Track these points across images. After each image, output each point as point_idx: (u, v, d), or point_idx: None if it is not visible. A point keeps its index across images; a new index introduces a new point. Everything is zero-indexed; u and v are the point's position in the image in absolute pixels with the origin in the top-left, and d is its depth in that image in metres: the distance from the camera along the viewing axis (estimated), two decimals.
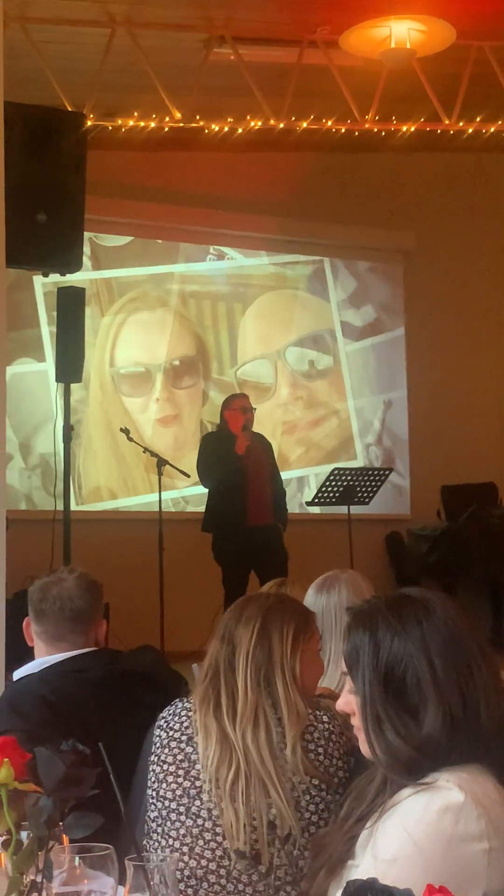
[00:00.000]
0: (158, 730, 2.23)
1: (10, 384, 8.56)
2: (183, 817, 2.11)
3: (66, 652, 2.67)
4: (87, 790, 1.43)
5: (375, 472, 8.53)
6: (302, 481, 9.36)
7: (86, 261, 8.85)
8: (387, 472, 8.63)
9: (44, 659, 2.68)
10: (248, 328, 9.55)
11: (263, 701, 2.15)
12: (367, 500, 8.29)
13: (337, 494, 8.13)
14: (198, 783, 2.12)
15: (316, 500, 8.33)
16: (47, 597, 2.69)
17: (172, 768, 2.15)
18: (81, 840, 1.45)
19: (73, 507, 7.55)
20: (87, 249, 8.86)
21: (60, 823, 1.43)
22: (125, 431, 7.88)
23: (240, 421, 7.40)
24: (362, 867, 1.59)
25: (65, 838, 1.46)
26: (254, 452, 7.43)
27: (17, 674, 2.71)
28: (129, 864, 1.45)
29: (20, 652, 2.88)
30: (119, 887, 1.47)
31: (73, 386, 7.27)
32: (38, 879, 1.41)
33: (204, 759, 2.12)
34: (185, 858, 2.08)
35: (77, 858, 1.45)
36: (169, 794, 2.14)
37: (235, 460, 7.28)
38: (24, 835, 1.45)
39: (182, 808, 2.11)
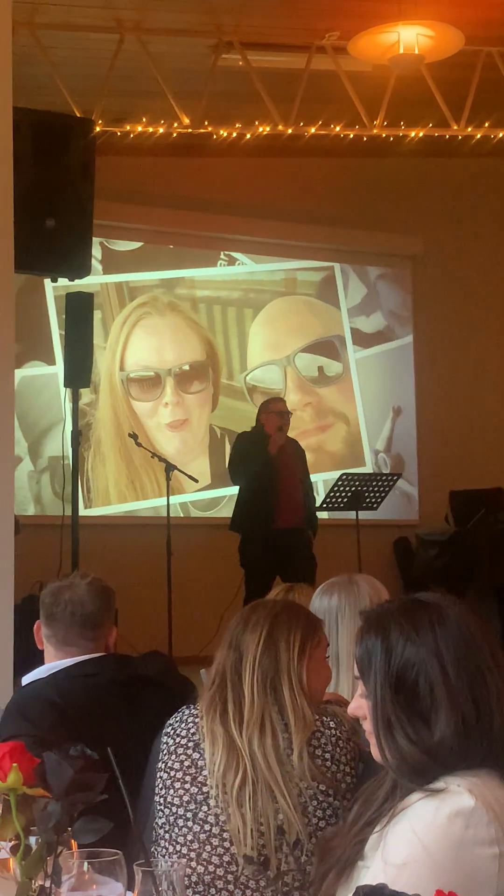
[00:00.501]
0: (166, 736, 2.23)
1: (20, 387, 8.63)
2: (190, 823, 2.11)
3: (75, 657, 2.67)
4: (96, 795, 1.43)
5: (383, 478, 8.52)
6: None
7: (97, 265, 8.90)
8: (395, 478, 8.63)
9: (53, 664, 2.69)
10: (258, 334, 9.56)
11: (270, 707, 2.15)
12: (375, 505, 8.28)
13: (345, 500, 8.13)
14: (205, 789, 2.12)
15: (324, 506, 8.33)
16: (59, 601, 2.70)
17: (179, 774, 2.15)
18: (90, 845, 1.45)
19: (81, 510, 7.56)
20: (97, 253, 8.92)
21: (69, 829, 1.43)
22: (133, 437, 7.90)
23: (275, 423, 7.43)
24: (372, 871, 1.59)
25: (73, 843, 1.46)
26: (286, 454, 7.46)
27: (26, 679, 2.71)
28: (137, 869, 1.45)
29: (30, 655, 2.88)
30: (128, 893, 1.47)
31: (83, 389, 7.29)
32: (47, 885, 1.42)
33: (210, 766, 2.12)
34: (193, 864, 2.08)
35: (86, 864, 1.45)
36: (176, 801, 2.14)
37: (267, 459, 7.31)
38: (32, 840, 1.45)
39: (189, 814, 2.11)
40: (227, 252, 9.48)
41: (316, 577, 6.89)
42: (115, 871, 1.45)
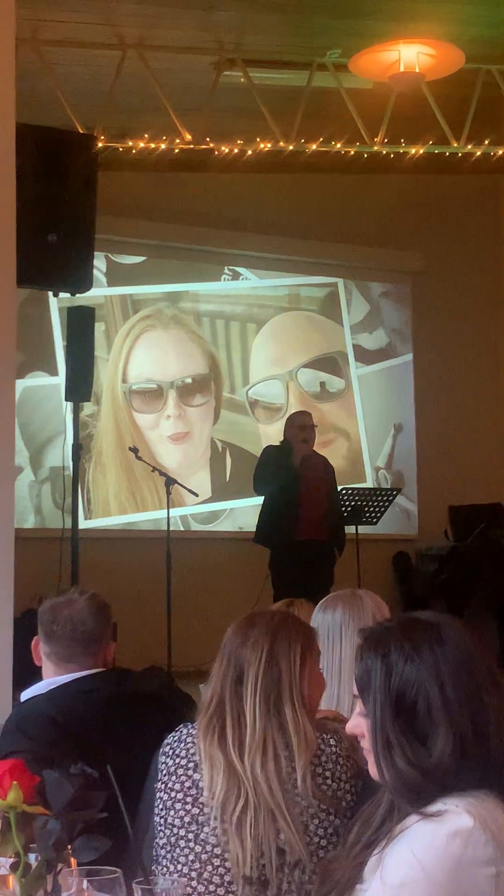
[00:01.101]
0: (164, 756, 2.21)
1: (23, 397, 8.66)
2: (192, 843, 2.10)
3: (74, 672, 2.68)
4: (96, 813, 1.44)
5: (383, 493, 8.53)
6: None
7: (101, 277, 8.96)
8: (394, 493, 8.64)
9: (51, 679, 2.69)
10: (261, 348, 9.59)
11: (272, 729, 2.13)
12: (374, 520, 8.29)
13: (345, 514, 8.13)
14: (206, 809, 2.11)
15: None
16: (58, 618, 2.70)
17: (180, 795, 2.14)
18: (90, 863, 1.46)
19: (82, 521, 7.57)
20: (102, 266, 8.98)
21: (69, 846, 1.44)
22: (134, 450, 7.91)
23: (299, 435, 7.45)
24: (370, 892, 1.59)
25: (73, 861, 1.47)
26: (311, 467, 7.48)
27: (25, 694, 2.71)
28: (136, 887, 1.45)
29: (28, 671, 2.88)
30: None
31: (85, 400, 7.32)
32: None
33: (209, 792, 2.11)
34: (194, 884, 2.07)
35: (85, 881, 1.45)
36: (177, 822, 2.12)
37: (291, 471, 7.34)
38: (32, 857, 1.46)
39: (191, 835, 2.10)
40: (231, 267, 9.52)
41: (329, 593, 6.86)
42: (114, 889, 1.46)
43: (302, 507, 7.32)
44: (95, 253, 8.71)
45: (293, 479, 7.33)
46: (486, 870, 1.53)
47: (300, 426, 7.56)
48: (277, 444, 7.76)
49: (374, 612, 3.11)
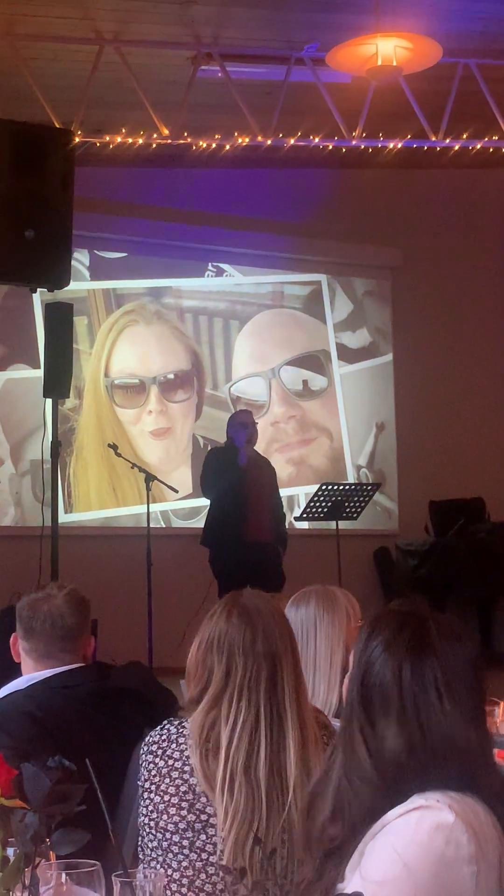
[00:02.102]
0: (151, 755, 2.15)
1: (4, 389, 8.65)
2: (186, 851, 2.07)
3: (54, 668, 2.66)
4: (74, 806, 1.43)
5: (363, 488, 8.54)
6: (292, 500, 9.37)
7: (84, 271, 8.98)
8: (374, 488, 8.64)
9: (31, 675, 2.67)
10: (244, 345, 9.59)
11: (287, 731, 2.11)
12: (354, 515, 8.30)
13: (325, 510, 8.14)
14: (203, 817, 2.07)
15: (304, 516, 8.35)
16: (37, 615, 2.68)
17: (175, 800, 2.09)
18: (68, 856, 1.45)
19: (62, 514, 7.56)
20: (85, 259, 8.99)
21: (47, 840, 1.43)
22: (113, 447, 7.90)
23: (242, 436, 7.46)
24: (350, 887, 1.58)
25: (51, 854, 1.46)
26: (256, 468, 7.50)
27: (4, 690, 2.69)
28: (115, 880, 1.45)
29: (6, 667, 2.87)
30: None
31: (70, 391, 7.32)
32: None
33: (224, 817, 2.05)
34: (184, 891, 2.05)
35: (64, 875, 1.44)
36: (171, 827, 2.09)
37: (236, 473, 7.35)
38: (10, 851, 1.45)
39: (185, 842, 2.07)
40: (214, 263, 9.52)
41: (283, 591, 6.89)
42: (93, 882, 1.45)
43: (249, 509, 7.35)
44: (78, 248, 8.78)
45: (239, 482, 7.35)
46: (467, 868, 1.53)
47: (241, 423, 7.58)
48: (220, 446, 7.80)
49: (347, 607, 3.11)
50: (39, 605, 2.69)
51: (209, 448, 8.42)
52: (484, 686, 1.68)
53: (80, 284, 8.92)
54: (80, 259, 8.99)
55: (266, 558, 7.33)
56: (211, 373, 9.44)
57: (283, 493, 8.30)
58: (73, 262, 8.82)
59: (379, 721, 1.63)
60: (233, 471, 7.39)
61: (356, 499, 8.28)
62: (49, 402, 6.86)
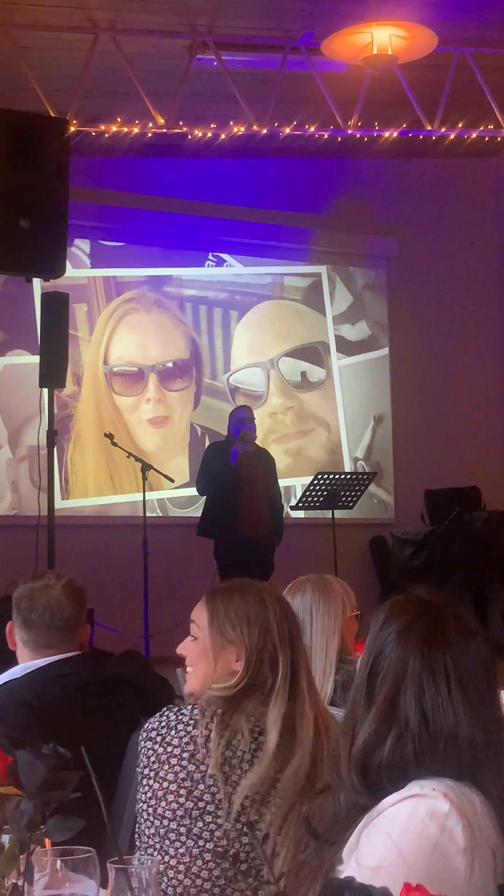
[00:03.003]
0: (150, 741, 2.15)
1: (3, 375, 8.66)
2: (184, 837, 2.08)
3: (51, 657, 2.67)
4: (69, 793, 1.44)
5: (359, 477, 8.55)
6: (289, 490, 9.38)
7: (84, 258, 9.00)
8: (370, 477, 8.65)
9: (28, 663, 2.68)
10: (243, 336, 9.60)
11: (304, 719, 2.14)
12: (350, 504, 8.31)
13: (321, 499, 8.15)
14: (201, 804, 2.08)
15: (300, 505, 8.35)
16: (36, 606, 2.68)
17: (174, 787, 2.10)
18: (63, 843, 1.45)
19: (59, 501, 7.57)
20: (86, 247, 9.00)
21: (42, 827, 1.43)
22: (109, 437, 7.90)
23: (237, 431, 7.54)
24: (346, 872, 1.59)
25: (47, 842, 1.46)
26: (250, 464, 7.53)
27: (0, 679, 2.70)
28: (111, 867, 1.45)
29: (1, 657, 2.87)
30: (101, 890, 1.47)
31: (66, 379, 7.30)
32: (20, 883, 1.42)
33: (240, 799, 2.08)
34: (181, 877, 2.06)
35: (59, 861, 1.45)
36: (168, 814, 2.09)
37: (230, 471, 7.37)
38: (5, 838, 1.45)
39: (183, 829, 2.08)
40: (215, 253, 9.52)
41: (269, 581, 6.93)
42: (88, 868, 1.45)
43: (242, 505, 7.43)
44: (80, 238, 8.79)
45: (231, 481, 7.43)
46: (460, 855, 1.53)
47: (237, 419, 7.67)
48: (222, 440, 7.85)
49: (343, 596, 3.12)
50: (38, 597, 2.69)
51: (206, 437, 8.45)
52: (496, 683, 1.69)
53: (81, 272, 8.93)
54: (81, 246, 9.00)
55: (258, 552, 7.39)
56: (210, 362, 9.45)
57: (280, 483, 8.31)
58: (73, 250, 8.89)
59: (379, 704, 1.64)
60: (225, 467, 7.45)
61: (352, 488, 8.30)
62: (45, 391, 6.84)
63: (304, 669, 2.19)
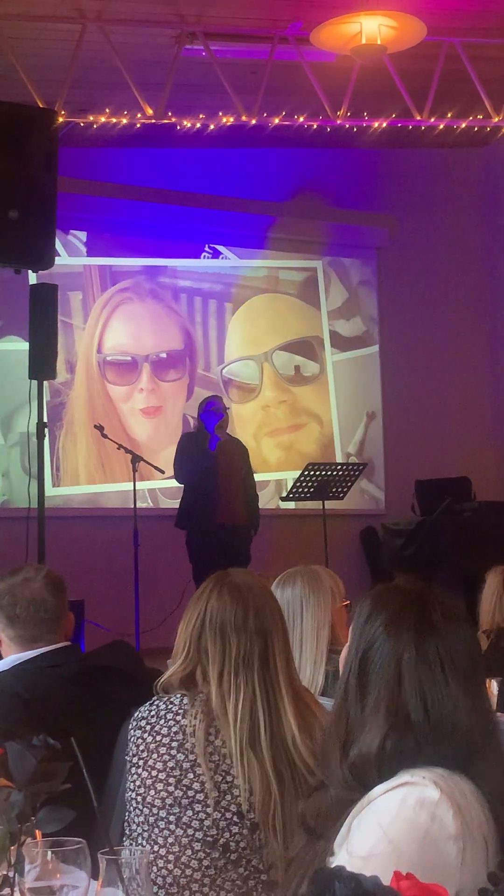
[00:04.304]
0: (140, 731, 2.16)
1: None
2: (172, 826, 2.08)
3: (38, 648, 2.67)
4: (59, 785, 1.44)
5: (349, 468, 8.56)
6: (280, 484, 9.39)
7: (80, 246, 8.99)
8: (360, 468, 8.66)
9: (16, 656, 2.68)
10: (237, 328, 9.61)
11: (286, 712, 2.13)
12: (341, 495, 8.31)
13: (311, 490, 8.15)
14: (190, 793, 2.09)
15: (291, 495, 8.36)
16: (19, 602, 2.67)
17: (162, 776, 2.11)
18: (54, 834, 1.45)
19: (50, 488, 7.55)
20: (82, 236, 8.97)
21: (32, 818, 1.43)
22: (99, 428, 7.90)
23: (213, 421, 7.49)
24: (337, 861, 1.59)
25: (37, 833, 1.46)
26: (227, 452, 7.54)
27: None
28: (101, 858, 1.45)
29: None
30: (92, 881, 1.47)
31: (59, 368, 7.33)
32: (11, 874, 1.42)
33: (245, 793, 2.07)
34: (170, 867, 2.06)
35: (49, 853, 1.45)
36: (157, 802, 2.10)
37: (207, 458, 7.39)
38: None
39: (172, 818, 2.08)
40: (211, 245, 9.52)
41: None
42: (79, 859, 1.45)
43: (221, 493, 7.42)
44: (77, 230, 8.76)
45: (211, 466, 7.40)
46: (451, 844, 1.53)
47: (214, 409, 7.65)
48: (192, 431, 7.84)
49: (332, 586, 3.13)
50: (19, 592, 2.69)
51: (181, 435, 8.44)
52: (482, 669, 1.69)
53: (77, 259, 8.94)
54: (77, 234, 9.00)
55: (235, 541, 7.40)
56: (203, 354, 9.45)
57: (272, 476, 8.33)
58: (69, 238, 8.88)
59: (374, 698, 1.64)
60: (203, 455, 7.44)
61: (342, 479, 8.30)
62: (34, 383, 6.83)
63: (276, 657, 2.17)
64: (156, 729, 2.15)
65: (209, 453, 7.44)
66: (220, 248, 9.55)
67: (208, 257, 9.53)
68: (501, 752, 1.64)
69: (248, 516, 7.61)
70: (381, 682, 1.64)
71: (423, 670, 1.62)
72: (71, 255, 8.87)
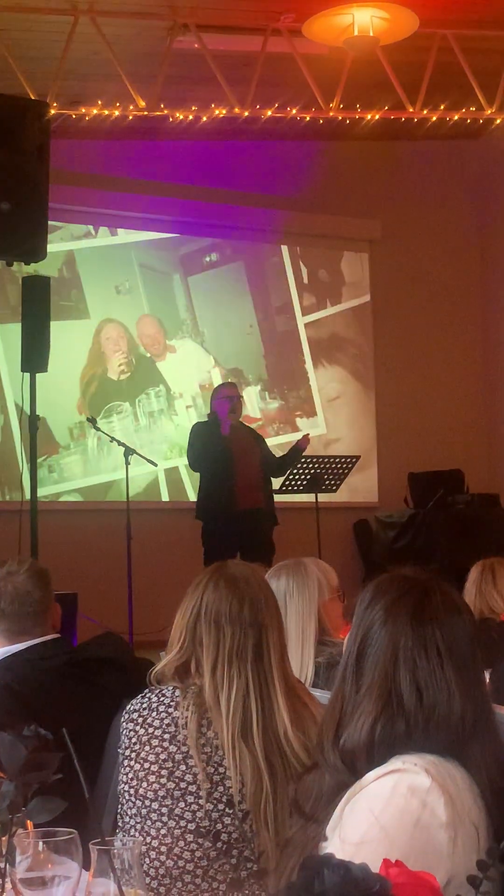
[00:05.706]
0: (132, 723, 2.17)
1: None
2: (165, 818, 2.08)
3: (27, 641, 2.68)
4: (50, 775, 1.44)
5: (342, 460, 8.55)
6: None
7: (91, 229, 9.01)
8: (353, 461, 8.65)
9: (5, 649, 2.69)
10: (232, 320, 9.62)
11: (279, 704, 2.13)
12: (334, 487, 8.32)
13: (304, 482, 8.15)
14: (182, 784, 2.09)
15: (283, 488, 8.34)
16: (4, 595, 2.68)
17: (155, 767, 2.11)
18: (45, 825, 1.45)
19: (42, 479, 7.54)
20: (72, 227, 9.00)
21: (24, 808, 1.43)
22: (92, 421, 7.89)
23: (225, 407, 7.48)
24: (329, 847, 1.60)
25: (29, 823, 1.46)
26: (240, 436, 7.53)
27: None
28: (93, 848, 1.45)
29: None
30: (84, 872, 1.47)
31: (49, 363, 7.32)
32: (2, 865, 1.42)
33: (237, 785, 2.07)
34: (163, 858, 2.06)
35: (41, 843, 1.45)
36: (150, 794, 2.10)
37: (221, 442, 7.37)
38: None
39: (165, 809, 2.08)
40: (211, 239, 9.56)
41: (272, 563, 6.90)
42: (70, 850, 1.45)
43: (238, 477, 7.38)
44: (76, 224, 8.75)
45: (224, 451, 7.37)
46: (442, 831, 1.53)
47: (227, 396, 7.61)
48: (205, 419, 7.83)
49: (319, 578, 3.13)
50: (3, 586, 2.70)
51: (193, 424, 8.45)
52: (480, 659, 1.69)
53: (81, 243, 8.99)
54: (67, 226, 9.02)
55: (258, 527, 7.35)
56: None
57: None
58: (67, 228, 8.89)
59: (369, 683, 1.64)
60: (217, 442, 7.40)
61: (335, 471, 8.30)
62: (27, 376, 6.81)
63: (270, 650, 2.17)
64: (148, 721, 2.15)
65: (222, 437, 7.42)
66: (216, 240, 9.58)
67: (206, 252, 9.55)
68: (495, 741, 1.65)
69: (268, 502, 7.56)
70: (376, 665, 1.65)
71: (420, 656, 1.63)
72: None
